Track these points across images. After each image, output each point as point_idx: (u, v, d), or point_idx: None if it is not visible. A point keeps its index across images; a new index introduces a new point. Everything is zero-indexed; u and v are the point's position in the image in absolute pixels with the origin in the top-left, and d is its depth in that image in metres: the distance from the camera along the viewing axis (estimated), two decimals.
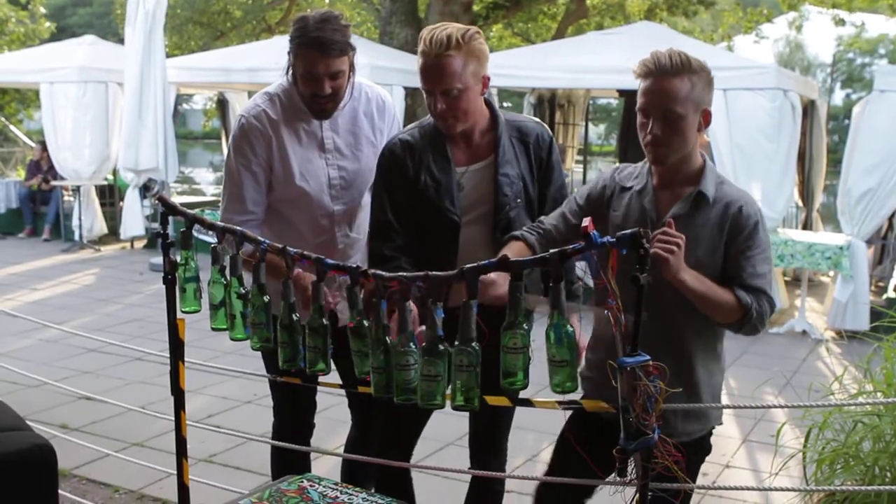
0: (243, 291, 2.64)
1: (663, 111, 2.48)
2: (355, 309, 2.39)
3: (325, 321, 2.48)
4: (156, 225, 12.01)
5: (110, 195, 13.37)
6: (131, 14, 10.61)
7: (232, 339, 2.71)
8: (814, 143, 10.40)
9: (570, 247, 2.03)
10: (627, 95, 10.93)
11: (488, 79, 2.94)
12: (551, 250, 2.06)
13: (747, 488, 3.13)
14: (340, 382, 3.24)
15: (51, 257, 11.69)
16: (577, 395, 2.36)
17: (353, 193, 3.24)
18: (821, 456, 3.34)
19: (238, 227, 2.65)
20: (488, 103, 3.04)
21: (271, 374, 3.32)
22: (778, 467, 3.54)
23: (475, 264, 2.16)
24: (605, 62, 9.58)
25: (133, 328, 7.80)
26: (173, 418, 2.95)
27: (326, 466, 4.44)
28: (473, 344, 2.09)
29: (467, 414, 3.22)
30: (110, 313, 8.53)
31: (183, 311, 2.77)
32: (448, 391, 2.20)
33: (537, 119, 3.21)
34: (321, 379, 3.19)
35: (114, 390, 5.93)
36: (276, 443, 3.46)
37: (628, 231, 1.98)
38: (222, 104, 14.54)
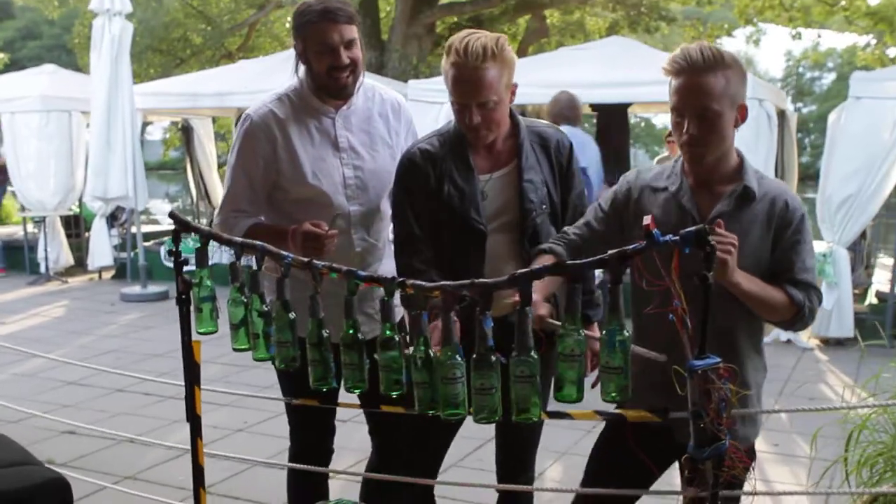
0: (265, 309, 2.52)
1: (699, 109, 2.40)
2: (388, 322, 2.29)
3: (360, 336, 2.36)
4: (124, 255, 11.82)
5: (76, 226, 13.10)
6: (96, 40, 10.40)
7: (255, 360, 2.59)
8: (785, 152, 10.44)
9: (631, 247, 1.94)
10: (600, 110, 10.91)
11: (516, 87, 2.86)
12: (610, 251, 1.97)
13: (805, 493, 3.05)
14: (359, 403, 3.13)
15: (16, 290, 11.39)
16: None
17: (369, 195, 3.13)
18: (862, 458, 3.27)
19: (259, 243, 2.54)
20: (510, 110, 2.96)
21: (288, 396, 3.20)
22: (820, 472, 3.46)
23: (527, 269, 2.06)
24: (576, 77, 9.54)
25: (110, 359, 7.59)
26: (184, 446, 2.81)
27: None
28: (532, 353, 1.99)
29: (469, 434, 3.12)
30: (85, 345, 8.30)
31: (199, 332, 2.64)
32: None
33: (555, 125, 3.12)
34: (342, 400, 3.11)
35: (98, 423, 5.72)
36: (292, 465, 3.31)
37: (692, 228, 1.90)
38: (186, 131, 14.32)
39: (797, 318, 2.46)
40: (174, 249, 2.66)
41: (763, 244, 2.48)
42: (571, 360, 1.98)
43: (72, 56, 21.65)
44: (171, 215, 2.66)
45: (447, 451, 3.12)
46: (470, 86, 2.74)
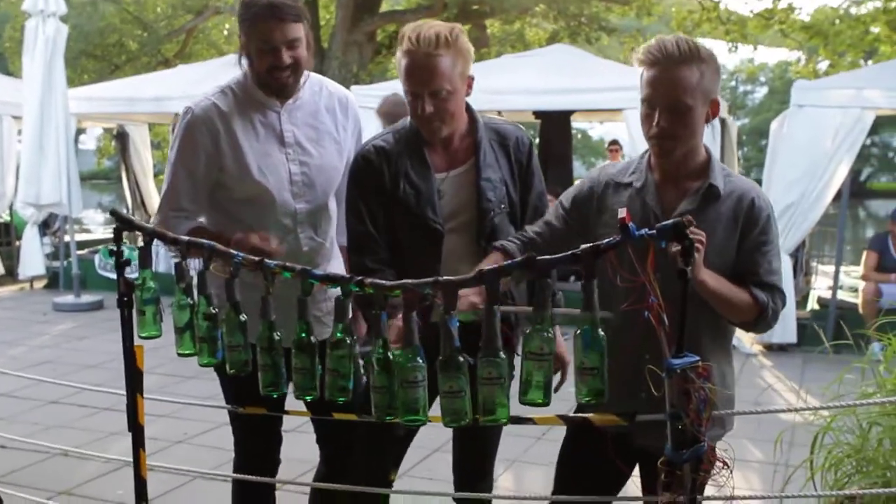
0: (213, 312, 2.39)
1: (671, 102, 2.33)
2: (341, 323, 2.18)
3: (313, 339, 2.24)
4: (57, 264, 11.48)
5: (6, 233, 12.71)
6: (29, 42, 10.08)
7: (201, 366, 2.45)
8: (726, 160, 10.51)
9: (605, 241, 1.86)
10: (543, 117, 10.90)
11: (472, 79, 2.76)
12: (583, 245, 1.88)
13: (779, 496, 3.00)
14: (306, 411, 3.00)
15: None
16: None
17: (316, 192, 3.00)
18: (827, 461, 3.22)
19: (206, 241, 2.41)
20: (467, 105, 2.86)
21: (231, 403, 3.05)
22: (774, 476, 3.42)
23: (494, 265, 1.97)
24: (520, 83, 9.53)
25: (44, 370, 7.31)
26: (122, 459, 2.66)
27: None
28: (500, 353, 1.89)
29: (418, 443, 3.02)
30: (16, 356, 8.00)
31: (141, 337, 2.50)
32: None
33: (515, 122, 3.04)
34: (289, 408, 2.98)
35: (31, 437, 5.47)
36: (240, 476, 3.16)
37: (670, 221, 1.83)
38: (122, 138, 13.98)
39: (760, 319, 2.41)
40: (115, 248, 2.52)
41: (728, 243, 2.42)
42: (540, 360, 1.88)
43: (3, 63, 21.13)
44: (113, 213, 2.52)
45: (402, 460, 3.00)
46: (422, 73, 2.65)
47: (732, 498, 2.18)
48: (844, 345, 4.12)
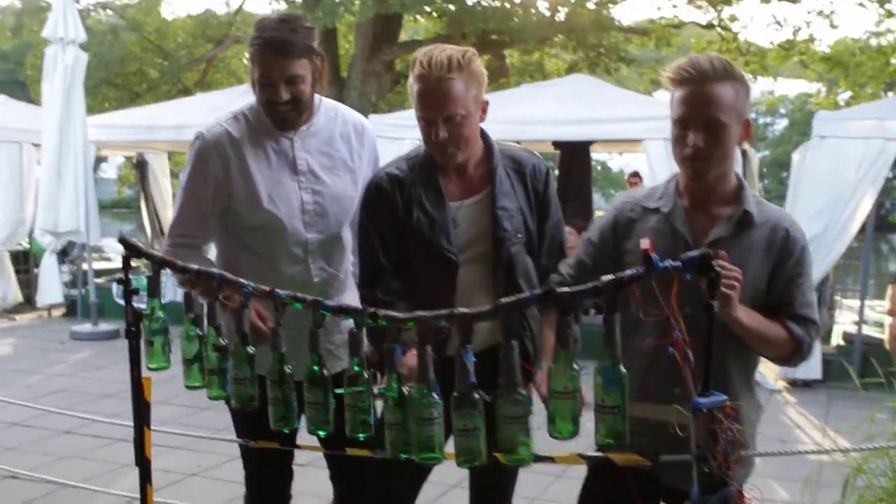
0: (222, 343, 2.32)
1: (705, 120, 2.24)
2: (356, 357, 2.10)
3: (325, 372, 2.17)
4: (75, 292, 11.45)
5: (25, 261, 12.72)
6: (49, 69, 10.12)
7: (210, 398, 2.39)
8: None
9: (627, 273, 1.78)
10: (563, 147, 10.83)
11: (487, 104, 2.70)
12: (603, 277, 1.80)
13: None
14: (319, 445, 2.92)
15: None
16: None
17: (328, 221, 2.92)
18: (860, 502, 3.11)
19: (216, 271, 2.35)
20: (482, 131, 2.80)
21: (242, 436, 2.98)
22: None
23: (512, 298, 1.89)
24: (539, 114, 9.48)
25: (58, 400, 7.25)
26: (132, 494, 2.59)
27: None
28: (521, 389, 1.81)
29: (434, 479, 2.91)
30: (32, 385, 7.96)
31: (150, 368, 2.44)
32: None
33: (530, 150, 2.96)
34: (302, 442, 2.90)
35: (42, 467, 5.42)
36: None
37: (695, 252, 1.75)
38: (141, 166, 14.01)
39: (795, 354, 2.32)
40: (123, 277, 2.46)
41: (761, 274, 2.33)
42: (565, 398, 1.80)
43: (26, 91, 21.26)
44: (121, 240, 2.46)
45: (417, 497, 2.91)
46: (434, 98, 2.59)
47: None
48: (872, 382, 4.01)
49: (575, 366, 1.81)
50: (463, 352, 1.87)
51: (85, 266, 10.98)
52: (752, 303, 2.25)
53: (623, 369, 1.79)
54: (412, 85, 2.63)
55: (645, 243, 1.76)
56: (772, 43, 19.41)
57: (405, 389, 2.00)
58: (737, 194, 2.37)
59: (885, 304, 8.49)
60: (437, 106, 2.59)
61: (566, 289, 1.82)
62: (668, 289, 1.77)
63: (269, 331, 2.28)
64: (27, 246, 12.64)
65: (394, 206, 2.73)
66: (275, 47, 2.70)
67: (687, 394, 1.83)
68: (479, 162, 2.79)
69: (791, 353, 2.31)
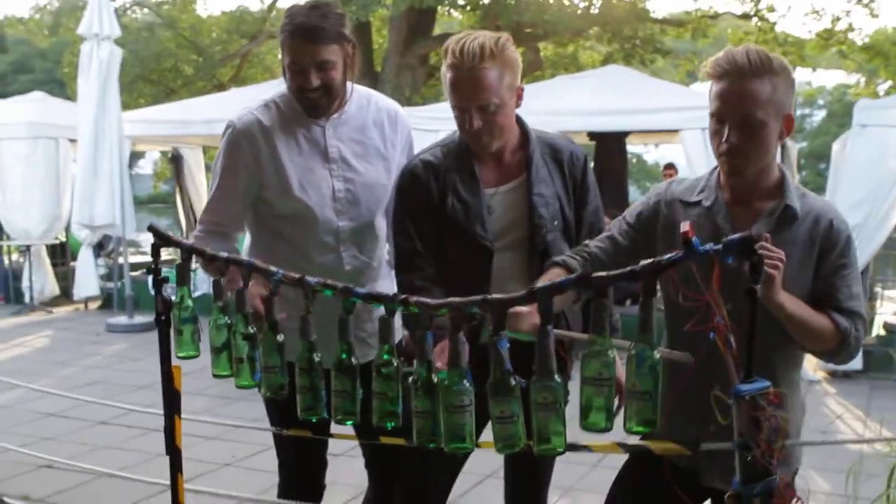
0: (251, 331, 2.28)
1: (741, 117, 2.17)
2: (387, 344, 2.06)
3: (354, 360, 2.13)
4: (111, 284, 11.53)
5: (62, 255, 12.84)
6: (84, 65, 10.21)
7: (238, 388, 2.35)
8: None
9: (666, 257, 1.71)
10: (598, 138, 10.74)
11: (522, 90, 2.64)
12: (643, 261, 1.74)
13: None
14: (353, 434, 2.89)
15: None
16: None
17: (360, 210, 2.89)
18: None
19: (245, 259, 2.31)
20: (518, 118, 2.74)
21: (276, 426, 2.95)
22: None
23: (548, 283, 1.84)
24: (575, 105, 9.39)
25: (94, 391, 7.30)
26: (167, 482, 2.57)
27: None
28: (556, 377, 1.76)
29: (468, 469, 2.87)
30: (67, 376, 8.02)
31: (179, 357, 2.42)
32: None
33: (567, 136, 2.91)
34: (336, 431, 2.87)
35: (78, 457, 5.44)
36: (284, 502, 3.05)
37: (737, 235, 1.68)
38: (177, 161, 14.09)
39: (842, 347, 2.23)
40: (154, 266, 2.43)
41: (805, 268, 2.26)
42: (599, 385, 1.73)
43: (63, 89, 21.48)
44: (151, 228, 2.44)
45: (452, 487, 2.87)
46: (468, 87, 2.55)
47: None
48: None
49: (611, 353, 1.75)
50: (497, 339, 1.82)
51: (121, 260, 11.07)
52: (798, 298, 2.18)
53: (657, 355, 1.73)
54: (445, 74, 2.59)
55: (685, 226, 1.69)
56: (810, 32, 19.18)
57: (434, 377, 1.95)
58: (779, 188, 2.29)
59: None
60: (470, 95, 2.55)
61: (602, 273, 1.76)
62: (709, 276, 1.71)
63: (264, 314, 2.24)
64: (63, 240, 12.75)
65: (428, 193, 2.69)
66: (305, 33, 2.67)
67: (726, 385, 1.77)
68: (516, 148, 2.74)
69: (837, 347, 2.23)
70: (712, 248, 1.67)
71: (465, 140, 2.68)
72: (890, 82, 20.57)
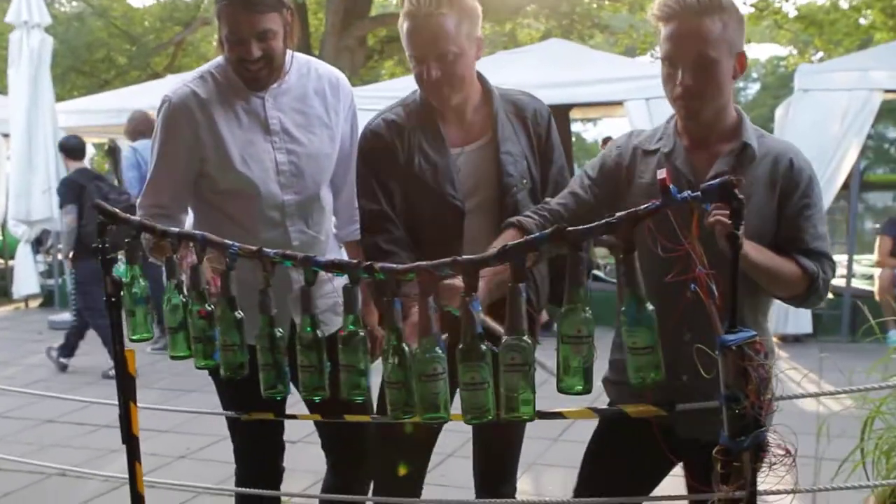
0: (208, 309, 2.18)
1: (694, 57, 2.12)
2: (352, 314, 1.97)
3: (319, 333, 2.04)
4: (51, 281, 11.24)
5: None
6: (14, 55, 9.90)
7: (197, 368, 2.24)
8: None
9: (643, 206, 1.65)
10: None
11: (482, 41, 2.57)
12: (618, 213, 1.68)
13: (844, 488, 2.74)
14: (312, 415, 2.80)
15: None
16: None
17: (306, 182, 2.77)
18: (878, 448, 3.02)
19: (199, 233, 2.20)
20: (479, 74, 2.66)
21: (229, 409, 2.85)
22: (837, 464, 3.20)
23: (521, 240, 1.77)
24: (517, 79, 9.25)
25: (38, 389, 7.04)
26: (121, 477, 2.46)
27: None
28: (525, 337, 1.69)
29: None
30: (11, 376, 7.77)
31: (132, 340, 2.30)
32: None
33: (530, 93, 2.83)
34: (292, 412, 2.79)
35: (26, 457, 5.26)
36: (242, 490, 2.94)
37: (716, 181, 1.63)
38: (113, 152, 13.72)
39: (811, 291, 2.19)
40: (100, 245, 2.31)
41: (767, 210, 2.21)
42: (578, 343, 1.67)
43: None
44: (97, 206, 2.32)
45: (431, 453, 2.79)
46: (425, 35, 2.47)
47: (796, 492, 1.97)
48: (862, 333, 3.92)
49: (589, 309, 1.68)
50: (469, 300, 1.75)
51: (60, 256, 10.78)
52: (760, 242, 2.13)
53: (650, 306, 1.67)
54: (402, 23, 2.51)
55: (662, 173, 1.63)
56: (745, 3, 19.32)
57: (405, 346, 1.87)
58: (737, 128, 2.25)
59: (874, 256, 8.47)
60: (427, 44, 2.47)
61: (578, 227, 1.69)
62: (686, 223, 1.65)
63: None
64: None
65: (394, 153, 2.61)
66: (243, 2, 2.54)
67: (702, 335, 1.72)
68: (478, 106, 2.67)
69: (806, 291, 2.19)
70: (691, 194, 1.62)
71: (424, 94, 2.60)
72: (822, 53, 20.81)
